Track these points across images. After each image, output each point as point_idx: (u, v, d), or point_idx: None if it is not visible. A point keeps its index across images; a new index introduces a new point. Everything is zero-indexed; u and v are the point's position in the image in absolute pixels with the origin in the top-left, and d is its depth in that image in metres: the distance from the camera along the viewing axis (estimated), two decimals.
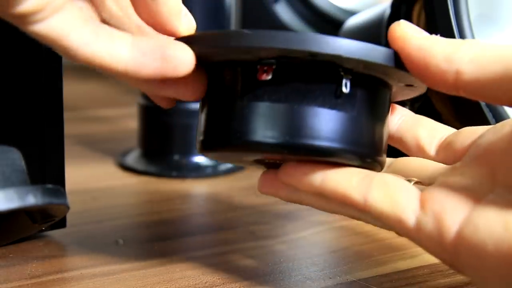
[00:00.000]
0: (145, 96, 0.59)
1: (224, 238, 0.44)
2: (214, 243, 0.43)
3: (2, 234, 0.39)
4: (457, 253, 0.30)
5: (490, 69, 0.30)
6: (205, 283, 0.37)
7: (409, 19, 0.51)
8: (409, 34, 0.32)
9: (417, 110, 0.49)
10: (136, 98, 0.61)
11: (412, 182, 0.34)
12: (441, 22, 0.45)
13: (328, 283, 0.38)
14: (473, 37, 0.45)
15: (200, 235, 0.45)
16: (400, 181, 0.33)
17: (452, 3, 0.45)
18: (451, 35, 0.45)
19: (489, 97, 0.31)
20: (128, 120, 0.73)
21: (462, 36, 0.45)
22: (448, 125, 0.48)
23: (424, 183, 0.34)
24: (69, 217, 0.42)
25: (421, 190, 0.32)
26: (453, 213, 0.31)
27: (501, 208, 0.30)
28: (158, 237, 0.44)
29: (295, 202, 0.36)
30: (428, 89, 0.38)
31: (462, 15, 0.45)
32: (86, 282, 0.37)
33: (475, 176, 0.32)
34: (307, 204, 0.35)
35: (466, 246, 0.30)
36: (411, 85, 0.34)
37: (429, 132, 0.37)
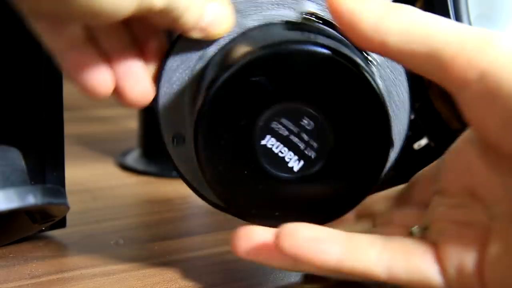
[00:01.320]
0: None
1: (224, 238, 0.44)
2: (214, 243, 0.43)
3: (2, 234, 0.39)
4: None
5: (415, 48, 0.30)
6: (205, 283, 0.37)
7: None
8: None
9: (417, 110, 0.49)
10: None
11: (419, 231, 0.34)
12: None
13: (328, 283, 0.38)
14: None
15: (200, 235, 0.45)
16: (415, 244, 0.33)
17: (452, 3, 0.45)
18: None
19: (413, 69, 0.31)
20: (128, 120, 0.73)
21: None
22: (448, 124, 0.48)
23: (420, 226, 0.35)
24: (69, 217, 0.42)
25: (433, 243, 0.33)
26: (468, 260, 0.31)
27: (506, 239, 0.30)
28: (158, 237, 0.44)
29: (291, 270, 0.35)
30: (428, 89, 0.38)
31: (462, 15, 0.45)
32: (86, 282, 0.37)
33: (465, 209, 0.33)
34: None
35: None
36: None
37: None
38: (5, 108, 0.38)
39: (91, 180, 0.55)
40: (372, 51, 0.33)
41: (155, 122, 0.37)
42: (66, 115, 0.41)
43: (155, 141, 0.58)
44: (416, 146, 0.49)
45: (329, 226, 0.34)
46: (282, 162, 0.34)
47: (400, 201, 0.38)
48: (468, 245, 0.31)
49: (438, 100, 0.49)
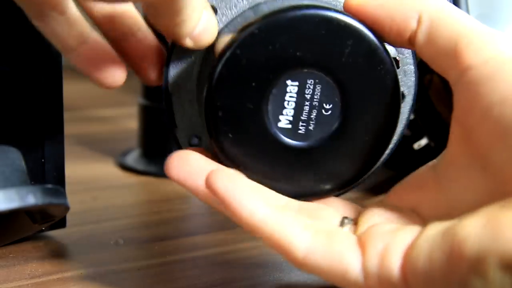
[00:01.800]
0: (145, 96, 0.59)
1: (224, 238, 0.44)
2: (214, 243, 0.43)
3: (2, 234, 0.39)
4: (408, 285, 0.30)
5: (441, 30, 0.32)
6: (205, 283, 0.37)
7: None
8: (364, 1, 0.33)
9: (417, 110, 0.49)
10: (136, 98, 0.61)
11: (350, 223, 0.34)
12: None
13: (328, 283, 0.38)
14: None
15: (200, 235, 0.45)
16: (341, 231, 0.33)
17: (452, 3, 0.45)
18: None
19: (430, 56, 0.33)
20: (128, 120, 0.73)
21: None
22: (448, 124, 0.48)
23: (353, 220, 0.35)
24: (69, 217, 0.42)
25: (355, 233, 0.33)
26: (395, 247, 0.30)
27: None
28: (158, 237, 0.44)
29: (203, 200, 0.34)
30: (429, 90, 0.38)
31: None
32: (86, 282, 0.37)
33: (402, 213, 0.34)
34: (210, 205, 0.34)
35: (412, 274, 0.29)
36: None
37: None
38: (5, 108, 0.38)
39: (91, 180, 0.55)
40: (404, 37, 0.33)
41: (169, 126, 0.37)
42: (66, 115, 0.41)
43: (155, 141, 0.58)
44: (416, 146, 0.49)
45: None
46: (293, 128, 0.34)
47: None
48: (397, 234, 0.31)
49: (438, 100, 0.49)
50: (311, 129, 0.34)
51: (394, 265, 0.30)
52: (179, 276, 0.38)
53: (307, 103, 0.34)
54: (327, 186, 0.35)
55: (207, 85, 0.33)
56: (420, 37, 0.33)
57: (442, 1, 0.33)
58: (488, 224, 0.27)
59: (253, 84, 0.33)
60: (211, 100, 0.33)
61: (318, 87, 0.33)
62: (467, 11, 0.45)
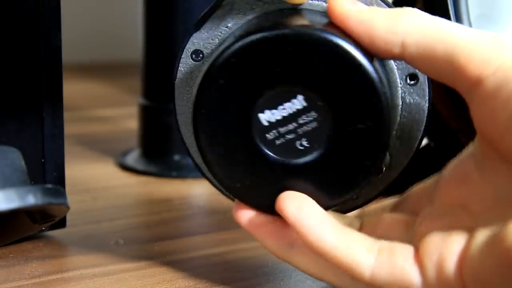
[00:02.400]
0: (145, 96, 0.59)
1: (224, 238, 0.44)
2: (214, 243, 0.43)
3: (2, 234, 0.39)
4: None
5: (432, 47, 0.31)
6: (205, 283, 0.37)
7: None
8: (346, 9, 0.32)
9: None
10: (136, 98, 0.61)
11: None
12: None
13: (329, 284, 0.38)
14: None
15: (200, 235, 0.45)
16: (400, 246, 0.33)
17: (452, 3, 0.45)
18: None
19: (429, 70, 0.32)
20: (128, 120, 0.73)
21: None
22: (448, 123, 0.48)
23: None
24: (69, 217, 0.42)
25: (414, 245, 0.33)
26: (450, 257, 0.31)
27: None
28: (158, 237, 0.44)
29: (280, 257, 0.35)
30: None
31: (462, 15, 0.45)
32: (86, 282, 0.37)
33: (452, 217, 0.33)
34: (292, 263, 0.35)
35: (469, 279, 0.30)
36: None
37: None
38: (6, 108, 0.38)
39: (91, 180, 0.55)
40: (393, 57, 0.33)
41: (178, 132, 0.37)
42: (66, 115, 0.41)
43: (155, 141, 0.58)
44: None
45: None
46: (281, 146, 0.34)
47: (392, 210, 0.38)
48: (450, 244, 0.31)
49: (438, 100, 0.49)
50: (305, 145, 0.34)
51: (451, 275, 0.31)
52: (179, 276, 0.38)
53: (293, 121, 0.33)
54: (335, 196, 0.35)
55: (193, 108, 0.34)
56: (410, 58, 0.32)
57: (423, 17, 0.32)
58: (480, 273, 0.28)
59: (237, 103, 0.33)
60: (196, 124, 0.34)
61: (303, 104, 0.33)
62: (467, 11, 0.45)
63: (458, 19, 0.45)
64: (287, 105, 0.33)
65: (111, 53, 1.10)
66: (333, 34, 0.32)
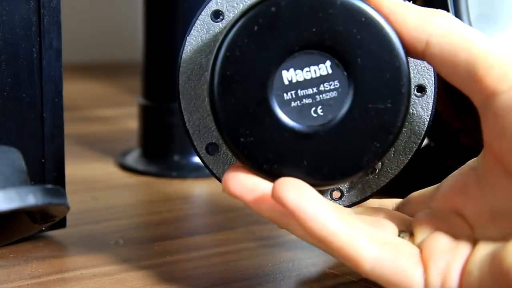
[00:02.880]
0: (145, 96, 0.59)
1: (224, 238, 0.44)
2: (214, 243, 0.43)
3: (2, 234, 0.39)
4: None
5: (455, 52, 0.31)
6: (205, 283, 0.37)
7: None
8: None
9: None
10: (136, 98, 0.61)
11: (407, 237, 0.34)
12: None
13: (328, 283, 0.38)
14: None
15: (200, 235, 0.45)
16: (405, 243, 0.33)
17: (452, 3, 0.45)
18: None
19: (448, 75, 0.32)
20: (128, 120, 0.73)
21: None
22: (448, 123, 0.48)
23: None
24: (69, 217, 0.42)
25: (419, 248, 0.33)
26: (454, 268, 0.31)
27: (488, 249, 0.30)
28: (158, 237, 0.44)
29: (277, 224, 0.34)
30: None
31: (462, 15, 0.45)
32: (86, 282, 0.37)
33: (451, 222, 0.33)
34: (290, 231, 0.34)
35: None
36: None
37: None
38: (5, 108, 0.38)
39: (91, 180, 0.55)
40: (415, 54, 0.33)
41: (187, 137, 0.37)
42: (66, 115, 0.41)
43: (155, 141, 0.58)
44: None
45: None
46: (295, 109, 0.33)
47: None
48: (455, 253, 0.32)
49: (439, 100, 0.49)
50: (319, 113, 0.33)
51: (454, 286, 0.31)
52: (179, 276, 0.38)
53: (314, 86, 0.33)
54: (338, 173, 0.34)
55: (210, 77, 0.33)
56: (431, 58, 0.32)
57: (453, 22, 0.32)
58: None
59: (264, 55, 0.32)
60: (214, 96, 0.33)
61: (329, 71, 0.33)
62: (467, 11, 0.45)
63: (458, 19, 0.45)
64: (313, 68, 0.33)
65: (111, 53, 1.10)
66: (375, 9, 0.32)
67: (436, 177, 0.37)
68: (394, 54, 0.32)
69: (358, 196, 0.37)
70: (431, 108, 0.36)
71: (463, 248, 0.32)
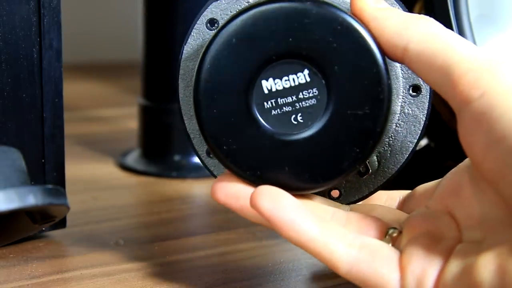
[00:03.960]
0: (145, 96, 0.59)
1: (224, 238, 0.44)
2: (214, 243, 0.43)
3: (2, 234, 0.39)
4: None
5: (431, 58, 0.31)
6: (205, 283, 0.37)
7: None
8: (366, 3, 0.33)
9: None
10: (136, 98, 0.61)
11: (395, 233, 0.34)
12: (441, 22, 0.45)
13: (328, 283, 0.38)
14: (473, 37, 0.45)
15: (200, 235, 0.45)
16: (383, 247, 0.33)
17: (452, 3, 0.45)
18: None
19: (426, 79, 0.32)
20: (128, 120, 0.73)
21: (462, 36, 0.45)
22: (448, 124, 0.48)
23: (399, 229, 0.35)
24: (69, 217, 0.42)
25: (398, 249, 0.33)
26: (429, 275, 0.31)
27: (465, 263, 0.30)
28: (158, 237, 0.44)
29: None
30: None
31: (462, 15, 0.45)
32: (86, 283, 0.37)
33: (441, 223, 0.33)
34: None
35: None
36: None
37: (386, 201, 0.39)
38: (5, 108, 0.38)
39: (91, 180, 0.55)
40: (395, 59, 0.33)
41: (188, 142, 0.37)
42: (66, 115, 0.41)
43: (155, 141, 0.58)
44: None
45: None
46: (276, 117, 0.34)
47: (399, 206, 0.38)
48: (432, 259, 0.32)
49: (438, 100, 0.49)
50: (299, 121, 0.34)
51: None
52: (179, 276, 0.38)
53: (293, 94, 0.34)
54: (319, 178, 0.35)
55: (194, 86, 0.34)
56: (410, 63, 0.33)
57: (433, 27, 0.32)
58: (498, 271, 0.28)
59: (243, 66, 0.33)
60: (198, 102, 0.34)
61: (307, 79, 0.34)
62: (467, 11, 0.45)
63: (458, 19, 0.45)
64: (291, 77, 0.33)
65: (111, 53, 1.10)
66: (351, 16, 0.33)
67: (436, 178, 0.37)
68: (371, 60, 0.33)
69: (356, 195, 0.37)
70: (426, 108, 0.36)
71: (443, 254, 0.32)
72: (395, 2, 0.36)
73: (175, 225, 0.46)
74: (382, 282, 0.32)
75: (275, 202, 0.32)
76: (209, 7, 0.36)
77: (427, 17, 0.33)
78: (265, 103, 0.34)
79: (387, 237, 0.34)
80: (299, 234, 0.32)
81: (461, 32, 0.45)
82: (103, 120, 0.76)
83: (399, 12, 0.33)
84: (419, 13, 0.50)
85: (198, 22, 0.36)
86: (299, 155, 0.34)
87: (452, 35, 0.32)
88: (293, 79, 0.34)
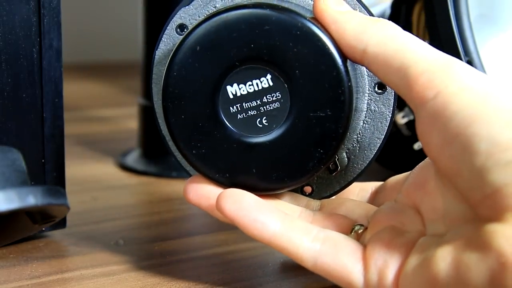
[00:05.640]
0: (145, 96, 0.59)
1: (224, 238, 0.44)
2: (214, 243, 0.43)
3: (2, 234, 0.39)
4: None
5: (389, 60, 0.32)
6: (205, 283, 0.37)
7: (409, 19, 0.51)
8: (327, 6, 0.34)
9: None
10: (136, 98, 0.61)
11: (361, 230, 0.36)
12: (441, 22, 0.45)
13: (328, 283, 0.38)
14: (473, 37, 0.45)
15: (200, 235, 0.45)
16: (347, 241, 0.34)
17: (452, 3, 0.45)
18: (451, 35, 0.45)
19: (385, 81, 0.33)
20: (128, 120, 0.73)
21: (462, 36, 0.45)
22: None
23: (365, 225, 0.36)
24: (69, 218, 0.42)
25: (363, 243, 0.34)
26: (391, 267, 0.32)
27: (424, 257, 0.31)
28: (158, 237, 0.44)
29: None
30: None
31: (462, 15, 0.45)
32: (86, 283, 0.37)
33: (405, 217, 0.35)
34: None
35: None
36: None
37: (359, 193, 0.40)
38: (5, 108, 0.38)
39: (91, 180, 0.55)
40: (356, 61, 0.34)
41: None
42: (66, 115, 0.41)
43: (155, 141, 0.58)
44: (416, 146, 0.49)
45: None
46: (241, 121, 0.35)
47: (372, 196, 0.40)
48: (394, 252, 0.33)
49: None
50: (264, 124, 0.35)
51: (389, 284, 0.32)
52: (179, 276, 0.38)
53: (257, 98, 0.35)
54: (286, 179, 0.36)
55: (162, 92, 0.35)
56: (368, 65, 0.33)
57: (391, 30, 0.33)
58: (454, 263, 0.29)
59: (208, 72, 0.34)
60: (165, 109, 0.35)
61: (270, 84, 0.35)
62: (467, 11, 0.45)
63: (458, 19, 0.45)
64: (255, 82, 0.35)
65: (111, 53, 1.10)
66: (310, 21, 0.34)
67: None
68: (331, 64, 0.34)
69: (328, 191, 0.39)
70: (392, 104, 0.38)
71: (404, 247, 0.33)
72: (358, 3, 0.37)
73: (175, 225, 0.46)
74: (346, 273, 0.33)
75: (237, 203, 0.34)
76: (178, 13, 0.37)
77: (385, 20, 0.34)
78: (230, 108, 0.35)
79: (352, 233, 0.35)
80: (262, 232, 0.34)
81: (461, 32, 0.45)
82: (103, 120, 0.76)
83: (358, 15, 0.34)
84: (419, 13, 0.50)
85: (168, 27, 0.37)
86: (266, 157, 0.35)
87: (409, 37, 0.33)
88: (257, 84, 0.35)
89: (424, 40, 0.49)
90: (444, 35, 0.45)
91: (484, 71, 0.45)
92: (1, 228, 0.39)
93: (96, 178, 0.56)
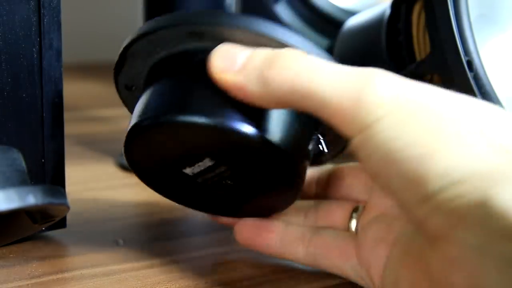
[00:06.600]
0: None
1: (224, 238, 0.44)
2: (214, 243, 0.43)
3: (2, 234, 0.39)
4: None
5: (303, 106, 0.31)
6: (205, 283, 0.37)
7: (409, 18, 0.51)
8: (222, 76, 0.33)
9: None
10: None
11: (360, 211, 0.38)
12: (441, 22, 0.45)
13: (328, 283, 0.38)
14: (473, 37, 0.45)
15: (200, 235, 0.45)
16: (339, 239, 0.37)
17: (452, 3, 0.45)
18: (451, 35, 0.45)
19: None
20: (128, 120, 0.73)
21: (462, 36, 0.45)
22: None
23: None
24: (69, 217, 0.42)
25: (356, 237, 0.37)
26: (377, 260, 0.34)
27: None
28: (158, 237, 0.44)
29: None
30: None
31: (462, 15, 0.45)
32: (86, 282, 0.37)
33: (386, 223, 0.36)
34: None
35: None
36: None
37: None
38: (5, 108, 0.38)
39: (91, 180, 0.55)
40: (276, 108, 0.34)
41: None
42: (66, 115, 0.41)
43: None
44: None
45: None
46: (211, 185, 0.37)
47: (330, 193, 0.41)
48: (379, 246, 0.34)
49: None
50: (225, 183, 0.37)
51: (377, 276, 0.35)
52: (179, 276, 0.38)
53: (211, 172, 0.36)
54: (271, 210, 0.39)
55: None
56: (292, 107, 0.33)
57: (296, 74, 0.31)
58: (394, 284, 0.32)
59: (161, 160, 0.37)
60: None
61: (212, 162, 0.36)
62: (467, 11, 0.45)
63: (458, 19, 0.45)
64: (200, 163, 0.36)
65: (111, 53, 1.10)
66: (223, 116, 0.33)
67: None
68: (268, 149, 0.34)
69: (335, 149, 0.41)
70: None
71: (392, 238, 0.34)
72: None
73: (175, 225, 0.46)
74: (341, 271, 0.37)
75: (243, 230, 0.40)
76: (119, 76, 0.41)
77: (282, 64, 0.32)
78: (197, 180, 0.37)
79: (352, 220, 0.37)
80: (268, 248, 0.39)
81: (461, 32, 0.45)
82: (103, 120, 0.76)
83: (252, 68, 0.32)
84: (419, 12, 0.50)
85: (118, 85, 0.42)
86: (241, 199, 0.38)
87: (313, 72, 0.31)
88: (203, 165, 0.36)
89: (424, 40, 0.49)
90: (444, 35, 0.45)
91: (484, 71, 0.45)
92: (1, 228, 0.39)
93: (96, 178, 0.56)
